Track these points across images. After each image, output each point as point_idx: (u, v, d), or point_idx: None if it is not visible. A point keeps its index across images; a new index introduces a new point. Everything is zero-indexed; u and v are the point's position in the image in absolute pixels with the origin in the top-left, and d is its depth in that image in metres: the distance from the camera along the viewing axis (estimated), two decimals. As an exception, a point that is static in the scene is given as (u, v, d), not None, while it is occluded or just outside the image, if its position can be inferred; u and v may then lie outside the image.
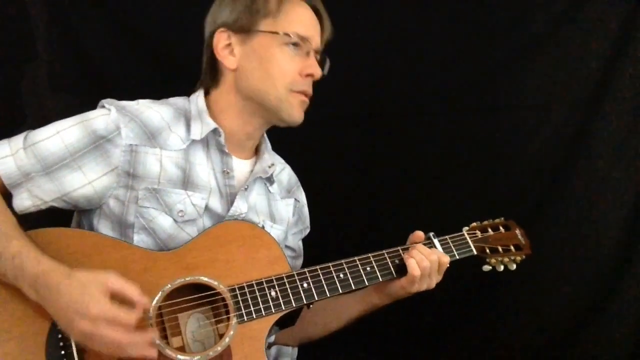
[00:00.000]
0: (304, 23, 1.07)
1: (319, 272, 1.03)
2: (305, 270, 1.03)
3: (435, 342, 1.62)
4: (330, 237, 1.47)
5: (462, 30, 1.52)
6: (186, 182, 1.02)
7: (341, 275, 1.04)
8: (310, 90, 1.07)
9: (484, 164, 1.58)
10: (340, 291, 1.03)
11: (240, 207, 1.07)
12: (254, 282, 0.99)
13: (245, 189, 1.08)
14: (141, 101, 1.05)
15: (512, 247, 1.19)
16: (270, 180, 1.14)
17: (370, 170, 1.59)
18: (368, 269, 1.06)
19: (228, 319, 0.94)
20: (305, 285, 1.02)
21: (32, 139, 0.96)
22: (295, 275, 1.02)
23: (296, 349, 1.19)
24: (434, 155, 1.59)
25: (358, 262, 1.06)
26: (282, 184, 1.21)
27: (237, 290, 0.97)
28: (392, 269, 1.07)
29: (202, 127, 1.05)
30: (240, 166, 1.11)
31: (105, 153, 0.97)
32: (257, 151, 1.16)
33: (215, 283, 0.96)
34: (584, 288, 1.60)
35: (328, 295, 1.02)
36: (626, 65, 1.51)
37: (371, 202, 1.60)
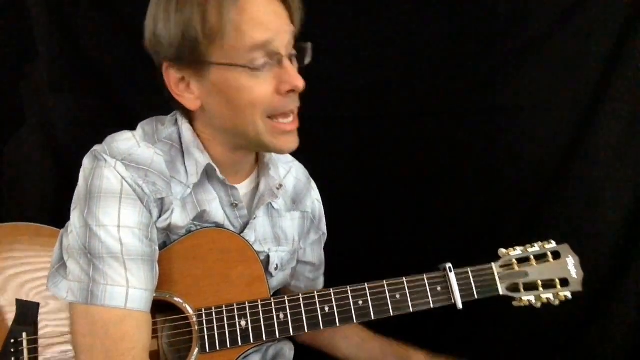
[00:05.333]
0: (260, 21, 0.84)
1: (301, 302, 0.92)
2: (285, 297, 0.93)
3: (435, 342, 1.62)
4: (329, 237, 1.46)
5: (462, 30, 1.52)
6: (199, 216, 0.94)
7: (326, 309, 0.92)
8: (294, 106, 0.90)
9: (484, 164, 1.58)
10: (322, 327, 0.92)
11: (248, 238, 0.98)
12: (224, 306, 0.89)
13: (254, 219, 1.00)
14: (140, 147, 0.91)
15: (557, 282, 1.01)
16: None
17: (368, 171, 1.59)
18: (360, 302, 0.92)
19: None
20: (282, 316, 0.91)
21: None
22: (273, 303, 0.91)
23: (292, 351, 1.15)
24: (434, 155, 1.59)
25: (350, 294, 0.94)
26: (287, 194, 1.10)
27: (203, 315, 0.88)
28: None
29: (196, 165, 0.93)
30: (242, 190, 1.01)
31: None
32: (256, 162, 1.04)
33: (184, 304, 0.89)
34: (584, 288, 1.60)
35: (306, 330, 0.91)
36: (626, 65, 1.50)
37: (368, 202, 1.60)
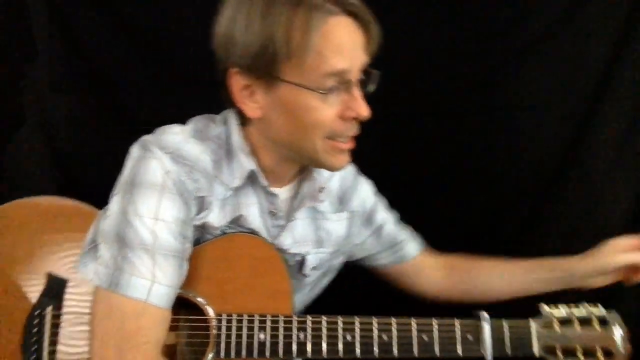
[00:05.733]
0: (342, 49, 0.84)
1: (323, 325, 0.89)
2: (308, 318, 0.90)
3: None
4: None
5: (461, 31, 1.52)
6: (235, 220, 0.94)
7: (348, 338, 0.89)
8: (353, 132, 0.90)
9: (483, 164, 1.58)
10: (341, 355, 0.88)
11: (283, 242, 0.98)
12: (245, 315, 0.88)
13: (292, 221, 0.99)
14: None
15: (599, 352, 0.91)
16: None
17: (368, 170, 1.59)
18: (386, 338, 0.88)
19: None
20: (301, 336, 0.88)
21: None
22: (295, 321, 0.89)
23: None
24: (433, 155, 1.59)
25: (375, 326, 0.89)
26: (333, 194, 1.08)
27: (223, 321, 0.88)
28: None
29: (240, 169, 0.93)
30: (283, 195, 1.00)
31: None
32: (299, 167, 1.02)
33: (206, 306, 0.89)
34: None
35: (324, 355, 0.88)
36: (626, 65, 1.50)
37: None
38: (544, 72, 1.55)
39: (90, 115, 1.52)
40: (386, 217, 1.18)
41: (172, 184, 0.86)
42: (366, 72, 0.90)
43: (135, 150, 0.90)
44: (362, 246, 1.17)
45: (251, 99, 0.89)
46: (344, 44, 0.85)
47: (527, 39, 1.54)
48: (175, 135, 0.92)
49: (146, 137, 0.91)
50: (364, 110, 0.87)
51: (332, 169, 0.94)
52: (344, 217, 1.10)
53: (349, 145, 0.92)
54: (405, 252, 1.19)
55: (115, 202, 0.87)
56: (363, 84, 0.90)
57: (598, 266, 1.02)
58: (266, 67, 0.85)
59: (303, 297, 1.11)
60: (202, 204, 0.91)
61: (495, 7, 1.52)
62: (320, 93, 0.84)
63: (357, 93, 0.87)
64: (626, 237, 1.01)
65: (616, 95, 1.53)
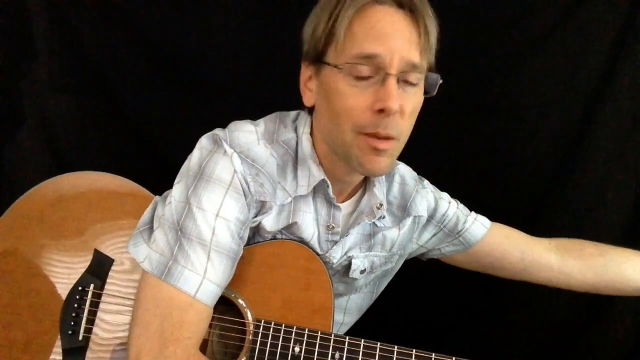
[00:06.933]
0: (376, 33, 0.81)
1: (361, 349, 0.86)
2: (347, 338, 0.88)
3: (434, 342, 1.62)
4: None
5: (461, 30, 1.52)
6: (289, 227, 0.93)
7: None
8: (386, 132, 0.83)
9: (483, 164, 1.58)
10: None
11: (333, 255, 0.97)
12: (283, 325, 0.87)
13: (346, 236, 0.98)
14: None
15: None
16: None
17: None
18: None
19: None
20: (337, 356, 0.86)
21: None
22: (332, 339, 0.87)
23: None
24: (433, 155, 1.59)
25: (413, 357, 0.87)
26: (394, 204, 1.05)
27: (261, 327, 0.87)
28: None
29: (309, 177, 0.91)
30: (344, 211, 0.98)
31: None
32: (362, 181, 1.00)
33: (246, 309, 0.88)
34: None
35: None
36: (626, 65, 1.50)
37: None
38: (544, 72, 1.55)
39: (90, 115, 1.52)
40: (448, 210, 1.13)
41: (238, 184, 0.86)
42: (427, 77, 0.87)
43: (205, 142, 0.90)
44: (425, 244, 1.14)
45: (308, 87, 0.91)
46: (381, 29, 0.82)
47: (527, 39, 1.53)
48: (247, 134, 0.90)
49: (218, 132, 0.91)
50: (391, 101, 0.80)
51: (366, 170, 0.88)
52: (407, 222, 1.06)
53: (384, 144, 0.84)
54: (470, 232, 1.13)
55: (178, 190, 0.86)
56: (427, 89, 0.87)
57: None
58: (314, 51, 0.87)
59: (360, 300, 1.10)
60: (261, 208, 0.90)
61: (496, 6, 1.52)
62: (352, 77, 0.82)
63: (391, 84, 0.81)
64: None
65: (616, 95, 1.52)
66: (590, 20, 1.51)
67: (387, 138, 0.84)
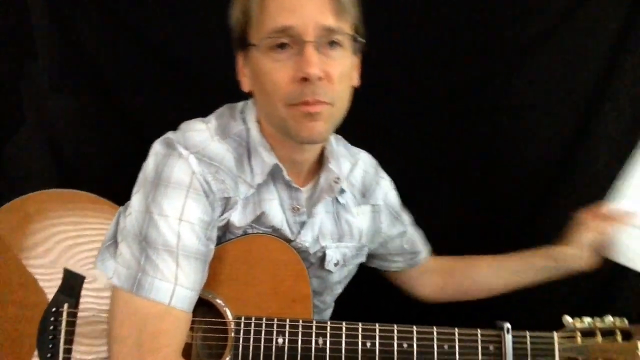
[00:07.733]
0: (286, 5, 0.82)
1: (343, 332, 0.87)
2: (328, 322, 0.89)
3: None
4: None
5: (462, 30, 1.52)
6: (257, 219, 0.93)
7: (367, 345, 0.87)
8: (314, 97, 0.83)
9: (483, 164, 1.58)
10: None
11: (304, 239, 0.97)
12: (264, 319, 0.87)
13: (313, 217, 0.98)
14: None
15: None
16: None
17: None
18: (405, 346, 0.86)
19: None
20: (320, 342, 0.87)
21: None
22: (314, 326, 0.87)
23: None
24: (433, 155, 1.59)
25: (395, 334, 0.88)
26: (355, 187, 1.07)
27: (242, 324, 0.87)
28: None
29: (262, 164, 0.92)
30: (306, 194, 0.99)
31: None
32: (319, 162, 1.00)
33: (225, 308, 0.88)
34: (584, 288, 1.60)
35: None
36: (626, 65, 1.50)
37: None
38: (544, 72, 1.55)
39: (90, 115, 1.52)
40: (408, 219, 1.19)
41: (198, 185, 0.85)
42: (353, 37, 0.88)
43: (158, 148, 0.88)
44: (386, 245, 1.16)
45: (243, 73, 0.91)
46: (292, 0, 0.82)
47: (527, 39, 1.53)
48: (199, 132, 0.90)
49: (170, 135, 0.90)
50: (309, 68, 0.80)
51: (301, 138, 0.87)
52: (366, 210, 1.08)
53: (315, 107, 0.84)
54: (420, 257, 1.21)
55: (137, 200, 0.85)
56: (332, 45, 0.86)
57: (574, 247, 1.08)
58: (240, 36, 0.88)
59: (332, 297, 1.11)
60: (227, 205, 0.90)
61: (496, 6, 1.52)
62: (271, 52, 0.83)
63: (308, 52, 0.81)
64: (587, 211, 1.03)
65: (616, 95, 1.52)
66: (590, 20, 1.51)
67: (318, 103, 0.84)
